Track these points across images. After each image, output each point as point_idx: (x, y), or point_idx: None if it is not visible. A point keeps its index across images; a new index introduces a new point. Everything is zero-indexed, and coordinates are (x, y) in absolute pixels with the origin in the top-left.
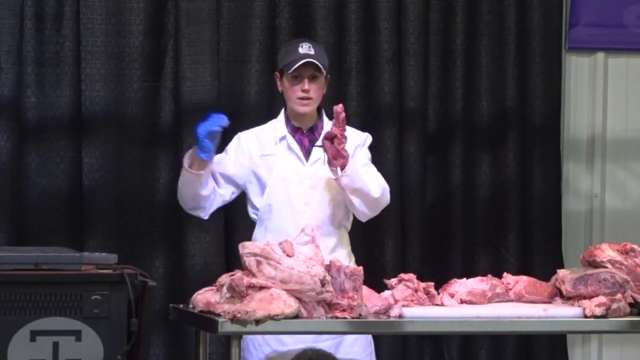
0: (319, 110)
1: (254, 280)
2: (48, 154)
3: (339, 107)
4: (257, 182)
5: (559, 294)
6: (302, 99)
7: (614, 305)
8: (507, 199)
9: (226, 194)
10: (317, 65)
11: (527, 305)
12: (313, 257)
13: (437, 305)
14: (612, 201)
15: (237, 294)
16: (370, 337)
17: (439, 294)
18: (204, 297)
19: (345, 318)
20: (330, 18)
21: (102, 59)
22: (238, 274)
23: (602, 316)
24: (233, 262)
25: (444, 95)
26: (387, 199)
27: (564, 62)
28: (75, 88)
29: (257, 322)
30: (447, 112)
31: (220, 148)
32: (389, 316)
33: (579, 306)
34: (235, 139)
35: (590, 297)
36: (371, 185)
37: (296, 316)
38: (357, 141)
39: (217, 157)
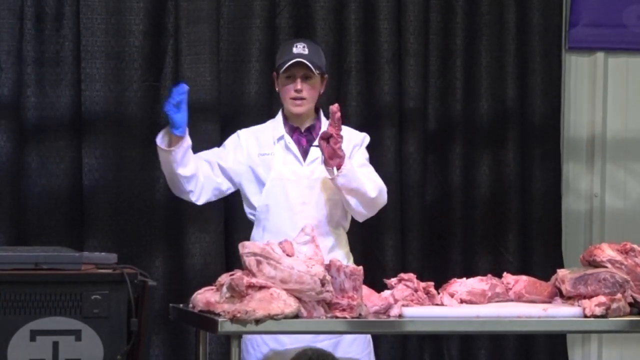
0: (316, 110)
1: (253, 280)
2: (48, 154)
3: (334, 107)
4: (256, 180)
5: (558, 294)
6: (294, 99)
7: (614, 305)
8: (507, 199)
9: (222, 183)
10: (309, 65)
11: (527, 305)
12: (313, 256)
13: (437, 305)
14: (612, 201)
15: (237, 293)
16: (369, 337)
17: (438, 293)
18: (204, 297)
19: (345, 318)
20: (330, 18)
21: (102, 59)
22: (238, 273)
23: (602, 316)
24: (233, 261)
25: (444, 95)
26: (384, 199)
27: (564, 62)
28: (75, 88)
29: (257, 321)
30: (447, 112)
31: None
32: (388, 316)
33: (578, 306)
34: (234, 135)
35: (590, 297)
36: (368, 186)
37: (296, 316)
38: (355, 141)
39: (215, 150)
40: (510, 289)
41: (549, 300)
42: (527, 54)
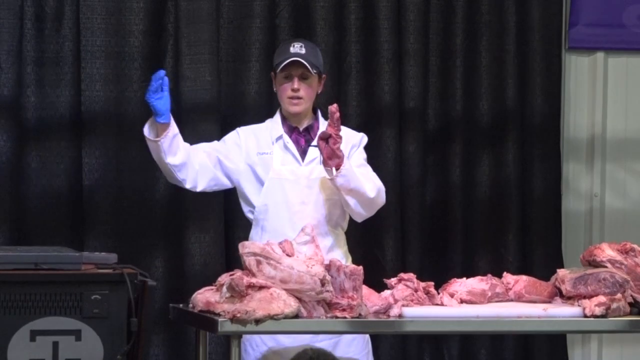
0: (314, 110)
1: (253, 280)
2: (48, 154)
3: (333, 107)
4: (255, 179)
5: (558, 294)
6: (291, 98)
7: (614, 305)
8: (507, 199)
9: (219, 176)
10: (306, 64)
11: (527, 305)
12: (313, 256)
13: (437, 305)
14: (612, 201)
15: (237, 293)
16: (367, 337)
17: (438, 293)
18: (204, 297)
19: (345, 318)
20: (330, 18)
21: (102, 59)
22: (238, 273)
23: (602, 316)
24: (233, 261)
25: (444, 95)
26: (382, 199)
27: (564, 62)
28: (75, 88)
29: (257, 321)
30: (447, 112)
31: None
32: (388, 316)
33: (578, 306)
34: (233, 132)
35: (590, 297)
36: (366, 186)
37: (296, 316)
38: (353, 141)
39: (215, 143)
40: (510, 289)
41: (549, 300)
42: (527, 54)
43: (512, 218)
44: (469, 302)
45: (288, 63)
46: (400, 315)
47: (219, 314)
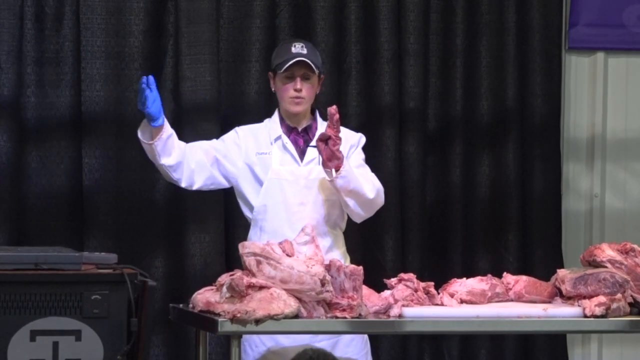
0: (312, 110)
1: (253, 280)
2: (48, 154)
3: (332, 109)
4: (254, 179)
5: (558, 294)
6: (294, 98)
7: (614, 305)
8: (507, 199)
9: (216, 175)
10: (309, 64)
11: (527, 305)
12: (313, 256)
13: (437, 305)
14: (612, 201)
15: (237, 293)
16: (366, 337)
17: (438, 293)
18: (204, 297)
19: (345, 318)
20: (330, 18)
21: (102, 59)
22: (238, 273)
23: (602, 316)
24: (233, 262)
25: (444, 95)
26: (381, 200)
27: (564, 62)
28: (75, 88)
29: (257, 321)
30: (447, 112)
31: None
32: (388, 316)
33: (579, 306)
34: (232, 132)
35: (590, 297)
36: (366, 187)
37: (296, 316)
38: (351, 141)
39: (213, 141)
40: (510, 289)
41: (549, 300)
42: (527, 54)
43: (512, 218)
44: (469, 302)
45: (292, 63)
46: (400, 316)
47: (219, 314)
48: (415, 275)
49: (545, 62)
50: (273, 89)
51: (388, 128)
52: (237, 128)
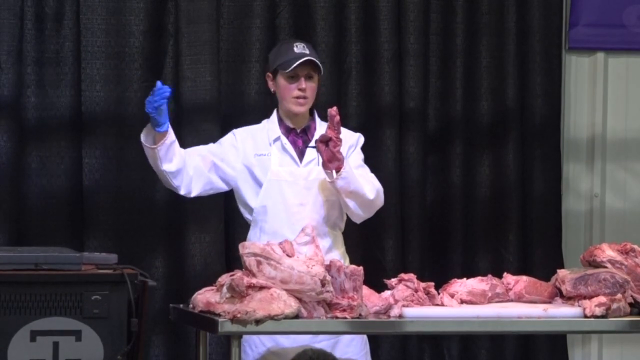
0: (311, 110)
1: (254, 280)
2: (48, 154)
3: (333, 110)
4: (253, 181)
5: (559, 294)
6: (298, 98)
7: (614, 305)
8: (507, 199)
9: (214, 180)
10: (313, 64)
11: (527, 305)
12: (313, 257)
13: (437, 305)
14: (612, 201)
15: (237, 294)
16: (365, 337)
17: (439, 294)
18: (204, 297)
19: (345, 318)
20: (330, 18)
21: (102, 59)
22: (238, 274)
23: (602, 316)
24: (233, 262)
25: (444, 95)
26: (381, 200)
27: (564, 62)
28: (75, 88)
29: (257, 322)
30: (447, 112)
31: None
32: (389, 316)
33: (579, 306)
34: (230, 134)
35: (590, 297)
36: (366, 188)
37: (296, 316)
38: (350, 141)
39: (211, 146)
40: (511, 289)
41: (549, 300)
42: (527, 54)
43: (512, 218)
44: (469, 303)
45: (300, 63)
46: (400, 316)
47: (219, 315)
48: (415, 276)
49: (545, 62)
50: (273, 90)
51: (388, 128)
52: (234, 130)
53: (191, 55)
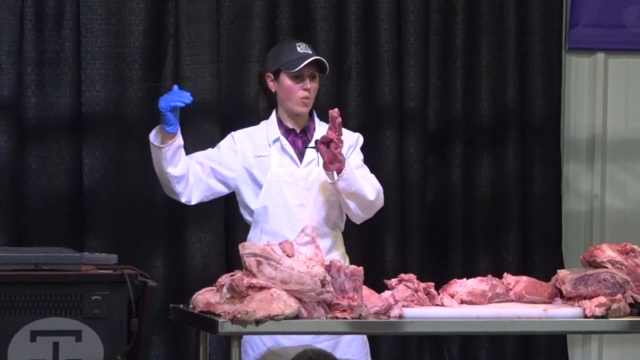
0: (310, 111)
1: (254, 281)
2: (48, 154)
3: (334, 112)
4: (252, 182)
5: (559, 294)
6: (303, 98)
7: (614, 306)
8: (507, 199)
9: (213, 186)
10: (317, 64)
11: (527, 305)
12: (313, 257)
13: (437, 305)
14: (612, 201)
15: (237, 294)
16: (365, 337)
17: (439, 294)
18: (204, 297)
19: (345, 318)
20: (330, 18)
21: (102, 60)
22: (238, 274)
23: (602, 316)
24: (233, 262)
25: (444, 95)
26: (381, 201)
27: (564, 62)
28: (75, 88)
29: (257, 322)
30: (447, 112)
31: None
32: (389, 316)
33: (579, 306)
34: (228, 137)
35: (590, 298)
36: (367, 189)
37: (296, 316)
38: (350, 142)
39: (209, 151)
40: (511, 289)
41: (549, 300)
42: (527, 54)
43: (512, 218)
44: (469, 303)
45: (307, 63)
46: (400, 316)
47: (219, 315)
48: (415, 276)
49: (545, 62)
50: (273, 90)
51: (388, 128)
52: (232, 133)
53: (191, 55)
